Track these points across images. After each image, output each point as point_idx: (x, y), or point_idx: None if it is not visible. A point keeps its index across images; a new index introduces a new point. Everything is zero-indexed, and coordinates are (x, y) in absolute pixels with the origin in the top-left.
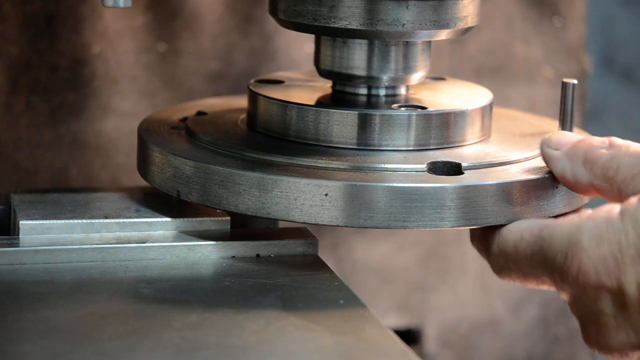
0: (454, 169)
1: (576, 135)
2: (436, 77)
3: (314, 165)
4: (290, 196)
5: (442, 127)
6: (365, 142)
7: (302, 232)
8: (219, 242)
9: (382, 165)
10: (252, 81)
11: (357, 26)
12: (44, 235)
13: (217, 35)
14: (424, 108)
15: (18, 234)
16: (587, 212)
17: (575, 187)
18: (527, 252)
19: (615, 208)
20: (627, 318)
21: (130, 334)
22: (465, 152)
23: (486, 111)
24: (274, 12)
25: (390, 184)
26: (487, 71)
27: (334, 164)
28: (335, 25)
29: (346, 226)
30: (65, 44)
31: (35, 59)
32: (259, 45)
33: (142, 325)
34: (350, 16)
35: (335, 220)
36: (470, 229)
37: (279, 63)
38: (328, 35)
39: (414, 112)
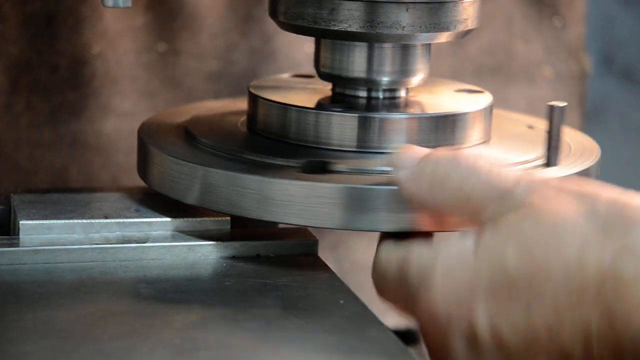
0: (321, 168)
1: (420, 151)
2: (474, 89)
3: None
4: (289, 199)
5: (440, 129)
6: (364, 144)
7: (302, 232)
8: (219, 242)
9: (381, 168)
10: (252, 82)
11: (357, 29)
12: (44, 235)
13: (217, 35)
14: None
15: (18, 234)
16: (444, 239)
17: (426, 211)
18: (392, 281)
19: (469, 238)
20: (477, 357)
21: (130, 334)
22: None
23: (485, 114)
24: (273, 14)
25: (391, 187)
26: (487, 71)
27: (333, 166)
28: (335, 28)
29: (345, 229)
30: (65, 44)
31: (35, 59)
32: (259, 45)
33: (142, 325)
34: (350, 19)
35: (335, 223)
36: None
37: (279, 63)
38: (328, 37)
39: (412, 115)
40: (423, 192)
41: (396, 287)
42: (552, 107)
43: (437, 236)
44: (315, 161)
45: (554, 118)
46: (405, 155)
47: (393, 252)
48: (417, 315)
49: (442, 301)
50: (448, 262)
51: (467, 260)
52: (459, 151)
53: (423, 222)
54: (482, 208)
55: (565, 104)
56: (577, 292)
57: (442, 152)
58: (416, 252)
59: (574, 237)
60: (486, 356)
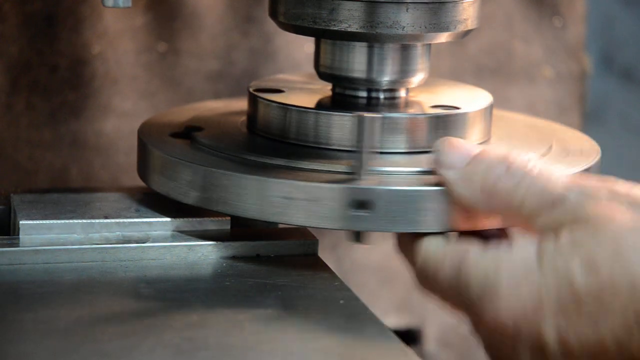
0: (186, 135)
1: (468, 148)
2: (450, 105)
3: (314, 168)
4: (289, 198)
5: (439, 129)
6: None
7: (302, 232)
8: (219, 242)
9: (381, 169)
10: (252, 83)
11: (357, 29)
12: (44, 235)
13: (217, 35)
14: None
15: (18, 234)
16: (504, 250)
17: (477, 213)
18: (446, 282)
19: (531, 249)
20: None
21: (130, 334)
22: None
23: (484, 114)
24: (274, 14)
25: (390, 187)
26: (487, 71)
27: (333, 166)
28: (335, 28)
29: (345, 229)
30: (65, 44)
31: (35, 59)
32: (259, 45)
33: (142, 325)
34: (350, 19)
35: (335, 223)
36: (398, 235)
37: (279, 63)
38: (328, 38)
39: (412, 115)
40: (475, 196)
41: (449, 288)
42: (360, 119)
43: (496, 243)
44: (187, 127)
45: (364, 130)
46: (453, 153)
47: (446, 251)
48: (478, 322)
49: (509, 313)
50: (513, 274)
51: (532, 273)
52: (509, 153)
53: (466, 223)
54: (536, 214)
55: (378, 115)
56: None
57: (492, 154)
58: (474, 258)
59: (637, 250)
60: None
